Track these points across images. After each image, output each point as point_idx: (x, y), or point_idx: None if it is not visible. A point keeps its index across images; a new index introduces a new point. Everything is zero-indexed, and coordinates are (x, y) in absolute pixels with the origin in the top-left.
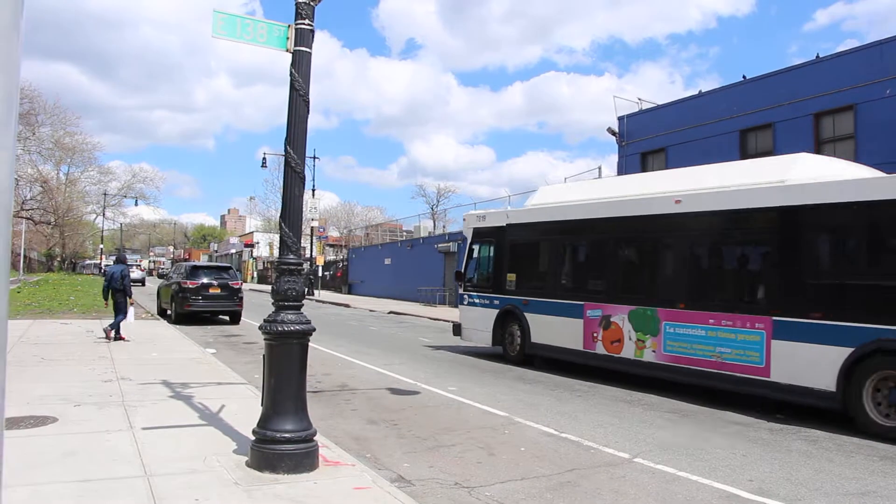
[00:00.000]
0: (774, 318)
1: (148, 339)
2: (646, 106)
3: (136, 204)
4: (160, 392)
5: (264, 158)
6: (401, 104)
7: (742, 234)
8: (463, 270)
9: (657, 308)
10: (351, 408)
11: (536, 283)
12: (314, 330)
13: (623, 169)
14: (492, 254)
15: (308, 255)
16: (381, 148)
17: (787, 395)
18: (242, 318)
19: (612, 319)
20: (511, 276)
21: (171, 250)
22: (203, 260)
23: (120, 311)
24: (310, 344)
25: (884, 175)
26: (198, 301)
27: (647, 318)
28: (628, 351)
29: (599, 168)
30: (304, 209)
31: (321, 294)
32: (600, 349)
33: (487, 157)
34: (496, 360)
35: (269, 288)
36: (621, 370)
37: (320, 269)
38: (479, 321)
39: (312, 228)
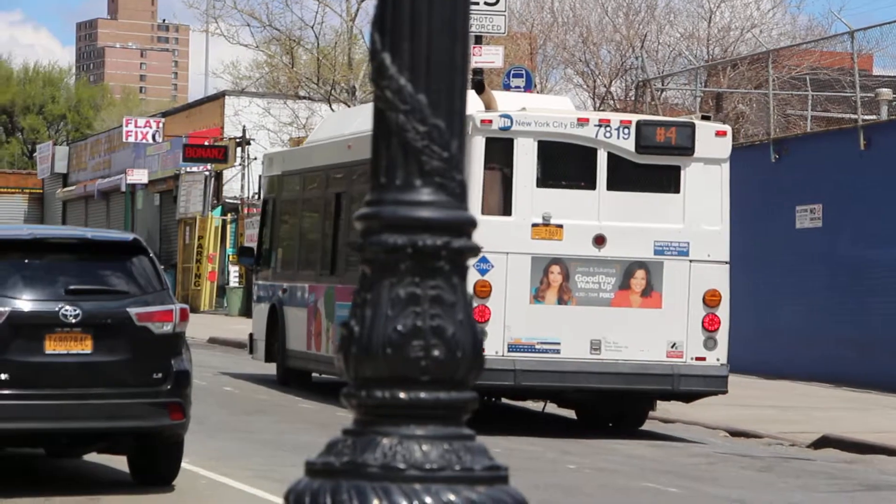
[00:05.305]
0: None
1: None
2: None
3: None
4: None
5: None
6: None
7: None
8: (256, 245)
9: (335, 286)
10: None
11: (291, 262)
12: None
13: None
14: (271, 219)
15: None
16: None
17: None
18: (186, 463)
19: (317, 305)
20: (280, 253)
21: None
22: (13, 216)
23: None
24: None
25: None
26: None
27: (330, 299)
28: (326, 346)
29: None
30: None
31: None
32: (313, 348)
33: None
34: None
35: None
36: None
37: None
38: (258, 326)
39: (479, 85)
